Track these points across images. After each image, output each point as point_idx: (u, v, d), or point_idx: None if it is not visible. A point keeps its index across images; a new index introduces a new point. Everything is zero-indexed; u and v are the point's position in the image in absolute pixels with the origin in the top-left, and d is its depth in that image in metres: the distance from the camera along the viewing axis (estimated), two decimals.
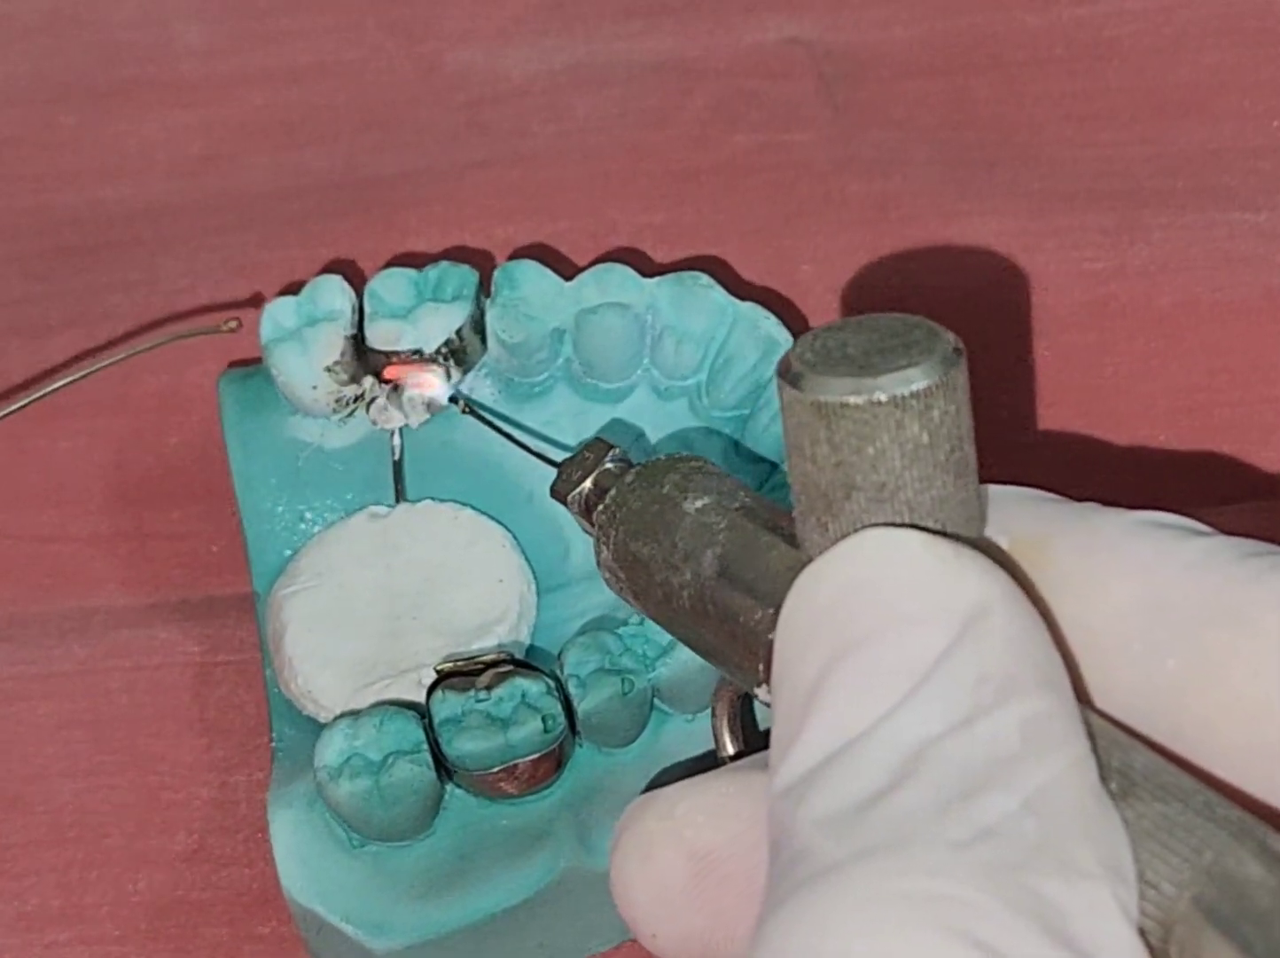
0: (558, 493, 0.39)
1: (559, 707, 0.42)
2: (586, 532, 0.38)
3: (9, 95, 0.61)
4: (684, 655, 0.42)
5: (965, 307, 0.53)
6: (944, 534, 0.30)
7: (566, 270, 0.49)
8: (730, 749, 0.37)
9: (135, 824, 0.46)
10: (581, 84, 0.59)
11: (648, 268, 0.54)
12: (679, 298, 0.47)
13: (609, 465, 0.38)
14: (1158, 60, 0.58)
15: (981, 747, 0.28)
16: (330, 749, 0.42)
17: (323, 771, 0.42)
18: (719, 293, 0.48)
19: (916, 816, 0.28)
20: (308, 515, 0.48)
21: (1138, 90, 0.57)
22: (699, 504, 0.34)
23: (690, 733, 0.44)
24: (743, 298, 0.48)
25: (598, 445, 0.39)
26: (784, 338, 0.47)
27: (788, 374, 0.30)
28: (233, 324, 0.49)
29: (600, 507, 0.36)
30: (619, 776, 0.43)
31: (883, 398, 0.30)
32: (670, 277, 0.48)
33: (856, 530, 0.31)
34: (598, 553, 0.36)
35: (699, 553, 0.34)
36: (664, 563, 0.34)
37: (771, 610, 0.32)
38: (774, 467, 0.46)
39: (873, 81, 0.58)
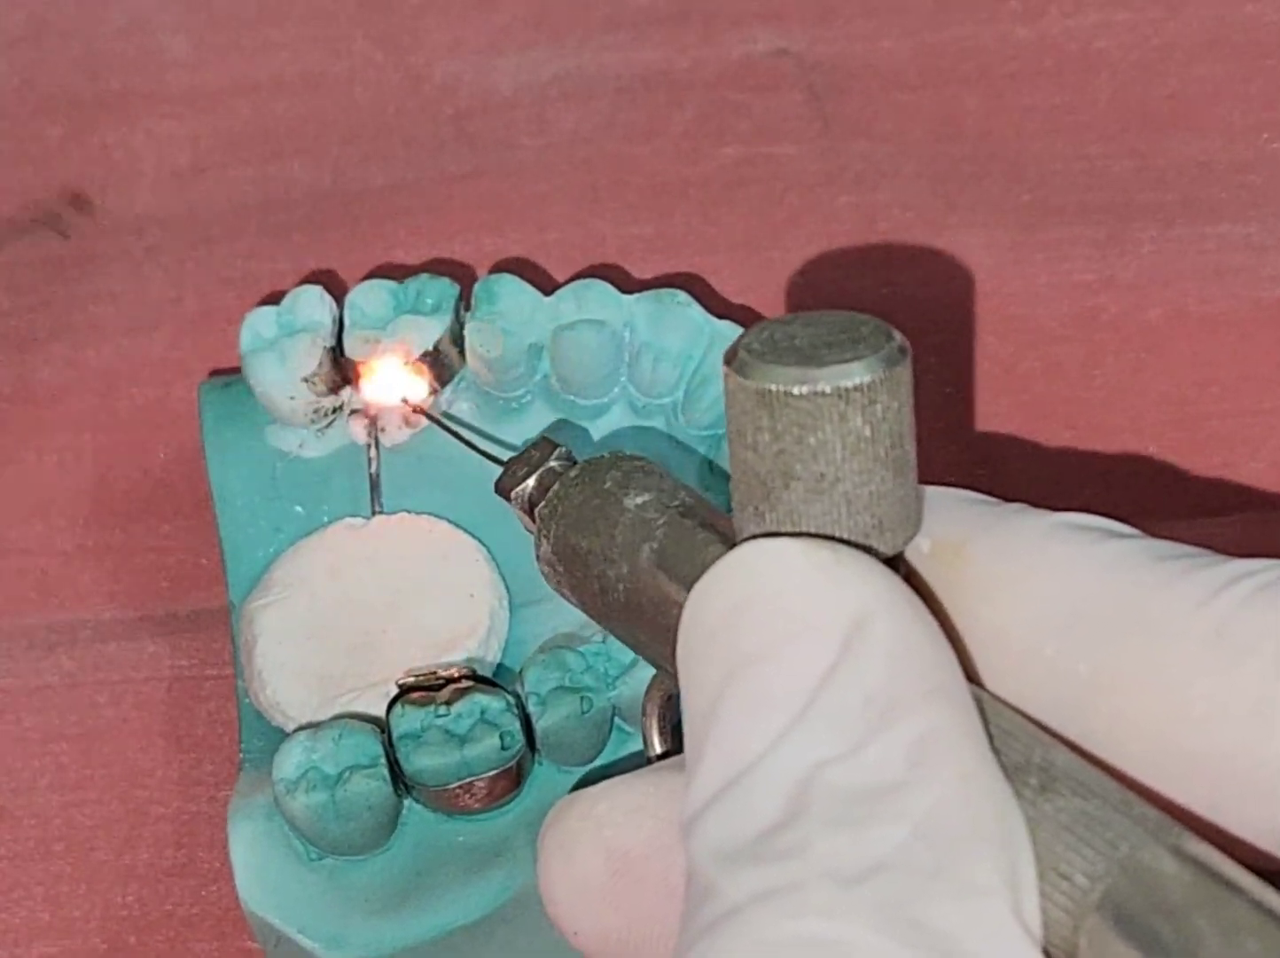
0: (502, 489, 0.39)
1: (517, 724, 0.42)
2: (527, 528, 0.38)
3: None
4: (645, 675, 0.42)
5: (953, 319, 0.53)
6: (833, 539, 0.30)
7: (554, 283, 0.49)
8: (658, 749, 0.37)
9: (123, 838, 0.46)
10: (569, 96, 0.59)
11: (635, 280, 0.54)
12: (656, 316, 0.47)
13: (553, 464, 0.38)
14: (1146, 73, 0.58)
15: (869, 774, 0.28)
16: (288, 762, 0.42)
17: (280, 783, 0.42)
18: (696, 311, 0.47)
19: (809, 852, 0.27)
20: (284, 526, 0.48)
21: (1126, 103, 0.57)
22: (639, 500, 0.34)
23: None
24: (730, 310, 0.48)
25: (544, 444, 0.39)
26: None
27: (733, 362, 0.31)
28: None
29: (543, 501, 0.36)
30: None
31: (826, 389, 0.30)
32: (649, 294, 0.48)
33: (743, 541, 0.31)
34: (537, 546, 0.36)
35: (636, 547, 0.34)
36: (602, 556, 0.34)
37: None
38: None
39: (861, 94, 0.58)
